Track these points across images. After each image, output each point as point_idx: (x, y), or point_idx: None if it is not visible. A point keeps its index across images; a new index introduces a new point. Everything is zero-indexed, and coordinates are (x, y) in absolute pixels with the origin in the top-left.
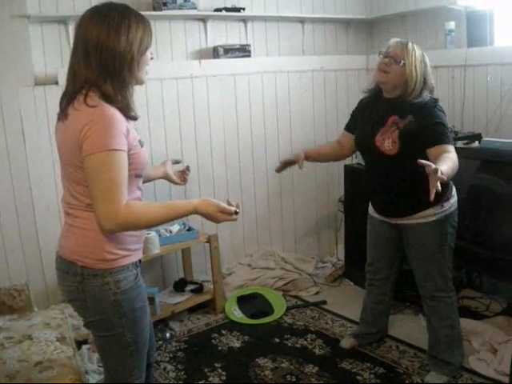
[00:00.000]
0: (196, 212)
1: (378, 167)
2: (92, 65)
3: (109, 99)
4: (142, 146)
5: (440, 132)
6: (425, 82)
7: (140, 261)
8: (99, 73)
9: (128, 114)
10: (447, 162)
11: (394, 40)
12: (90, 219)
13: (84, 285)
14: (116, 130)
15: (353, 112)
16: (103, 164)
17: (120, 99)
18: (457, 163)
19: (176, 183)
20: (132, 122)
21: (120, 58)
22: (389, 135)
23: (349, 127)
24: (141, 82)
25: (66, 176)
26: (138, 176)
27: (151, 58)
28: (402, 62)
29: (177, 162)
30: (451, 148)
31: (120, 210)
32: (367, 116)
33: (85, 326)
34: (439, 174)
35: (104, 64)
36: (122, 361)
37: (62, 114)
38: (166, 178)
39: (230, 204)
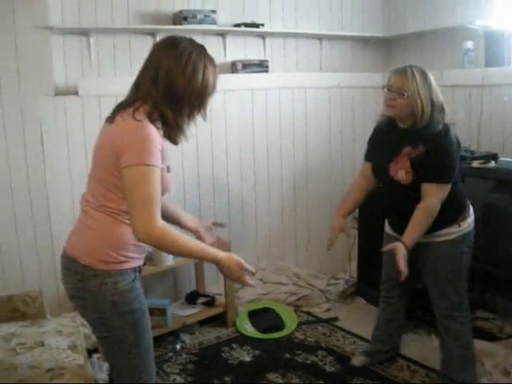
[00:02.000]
0: (218, 264)
1: (394, 194)
2: (158, 89)
3: (155, 120)
4: (168, 172)
5: (439, 169)
6: (432, 104)
7: (140, 267)
8: (164, 99)
9: (176, 138)
10: (416, 226)
11: (393, 71)
12: (102, 221)
13: (84, 283)
14: (156, 148)
15: (369, 140)
16: (143, 177)
17: (175, 125)
18: (433, 213)
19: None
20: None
21: (191, 90)
22: (401, 165)
23: (368, 157)
24: (206, 118)
25: (93, 175)
26: None
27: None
28: (406, 94)
29: (221, 226)
30: (440, 190)
31: (157, 224)
32: (382, 145)
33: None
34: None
35: (172, 93)
36: (127, 363)
37: (111, 118)
38: (196, 235)
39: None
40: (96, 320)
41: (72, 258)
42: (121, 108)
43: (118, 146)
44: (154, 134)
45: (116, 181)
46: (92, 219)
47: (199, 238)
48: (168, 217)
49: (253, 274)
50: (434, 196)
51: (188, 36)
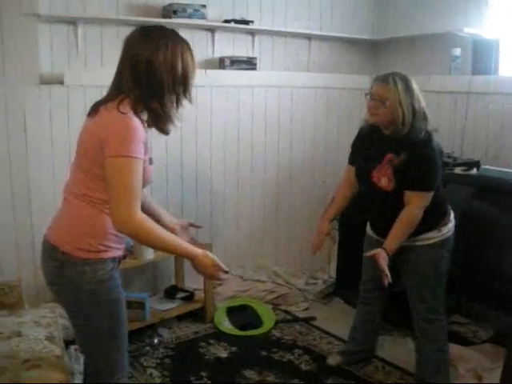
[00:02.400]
0: (193, 260)
1: (376, 199)
2: (139, 83)
3: (139, 113)
4: (150, 164)
5: (421, 178)
6: (414, 112)
7: (119, 258)
8: (145, 92)
9: (165, 127)
10: (398, 232)
11: (375, 79)
12: (83, 210)
13: (63, 270)
14: (139, 140)
15: (353, 144)
16: (125, 168)
17: (163, 115)
18: (415, 221)
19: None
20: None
21: (173, 78)
22: (384, 172)
23: (352, 160)
24: (192, 100)
25: (77, 164)
26: None
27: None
28: (387, 102)
29: (197, 227)
30: (422, 198)
31: (136, 215)
32: (365, 149)
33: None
34: (381, 261)
35: (152, 83)
36: (101, 353)
37: (94, 110)
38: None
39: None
40: (73, 308)
41: (52, 245)
42: (103, 102)
43: (103, 136)
44: (138, 126)
45: (99, 171)
46: (73, 208)
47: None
48: (150, 214)
49: (226, 272)
50: (416, 204)
51: (177, 30)
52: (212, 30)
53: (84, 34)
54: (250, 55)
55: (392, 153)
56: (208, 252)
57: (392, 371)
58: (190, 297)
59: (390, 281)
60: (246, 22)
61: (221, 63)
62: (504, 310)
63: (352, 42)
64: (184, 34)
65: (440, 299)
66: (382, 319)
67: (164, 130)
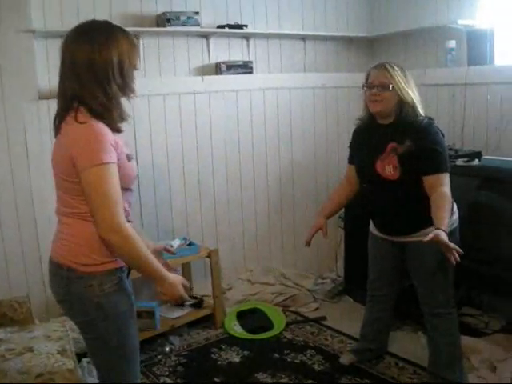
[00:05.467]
0: (160, 281)
1: (381, 192)
2: (82, 82)
3: (98, 115)
4: (129, 161)
5: (437, 160)
6: (414, 95)
7: (126, 268)
8: (89, 90)
9: (115, 126)
10: (443, 211)
11: (372, 68)
12: (73, 226)
13: (70, 287)
14: (106, 143)
15: (350, 144)
16: (98, 178)
17: (109, 113)
18: (450, 199)
19: None
20: (121, 136)
21: (112, 70)
22: (389, 161)
23: (351, 160)
24: (134, 92)
25: (57, 186)
26: (124, 189)
27: (136, 69)
28: (391, 85)
29: (171, 253)
30: (445, 178)
31: (125, 223)
32: (364, 144)
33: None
34: (444, 239)
35: (95, 80)
36: (112, 366)
37: (56, 130)
38: None
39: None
40: (82, 322)
41: (56, 264)
42: (60, 118)
43: (71, 152)
44: (101, 130)
45: (78, 186)
46: (67, 226)
47: None
48: None
49: (191, 289)
50: (443, 185)
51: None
52: (206, 36)
53: None
54: (246, 59)
55: (394, 141)
56: (180, 277)
57: (405, 367)
58: (199, 303)
59: (458, 259)
60: (240, 27)
61: (217, 69)
62: None
63: (347, 41)
64: (179, 41)
65: (449, 292)
66: (393, 315)
67: (114, 128)
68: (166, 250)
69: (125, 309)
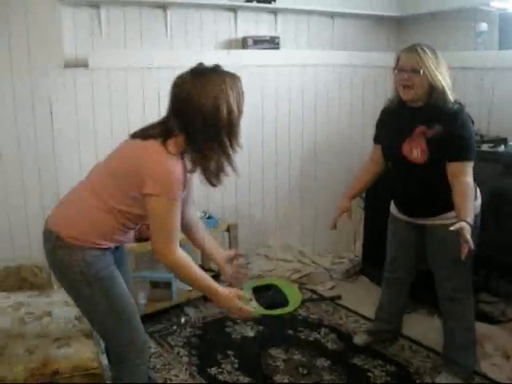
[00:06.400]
0: (214, 298)
1: (405, 174)
2: (187, 127)
3: (192, 155)
4: None
5: (463, 146)
6: (445, 78)
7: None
8: (193, 137)
9: (213, 180)
10: (468, 202)
11: (402, 51)
12: (96, 210)
13: (56, 253)
14: (180, 184)
15: (377, 122)
16: (168, 210)
17: (212, 165)
18: (473, 189)
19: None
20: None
21: (222, 124)
22: (416, 144)
23: (377, 139)
24: (240, 145)
25: (108, 171)
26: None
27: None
28: (421, 70)
29: (240, 256)
30: (469, 167)
31: (176, 252)
32: (392, 125)
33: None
34: (466, 234)
35: (202, 131)
36: (111, 331)
37: (143, 134)
38: (218, 266)
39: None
40: (70, 290)
41: (48, 230)
42: (152, 135)
43: (143, 169)
44: (180, 170)
45: (136, 195)
46: (87, 205)
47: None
48: (201, 248)
49: (250, 300)
50: (466, 174)
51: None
52: (234, 9)
53: (107, 17)
54: (273, 34)
55: (423, 125)
56: (234, 290)
57: (418, 350)
58: (216, 277)
59: (466, 257)
60: (268, 1)
61: (244, 43)
62: None
63: (375, 19)
64: (206, 14)
65: (467, 278)
66: (409, 297)
67: (211, 182)
68: (236, 254)
69: (106, 273)
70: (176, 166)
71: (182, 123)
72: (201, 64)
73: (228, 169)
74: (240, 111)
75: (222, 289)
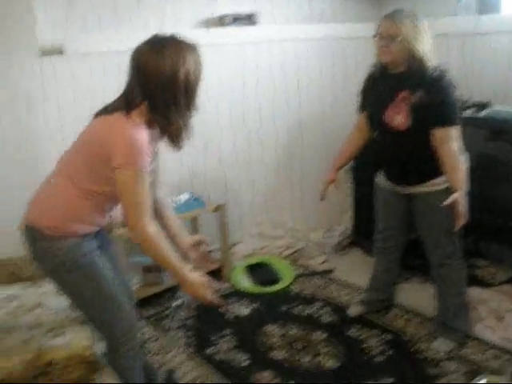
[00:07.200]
0: (181, 281)
1: (389, 141)
2: (148, 95)
3: (156, 122)
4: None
5: (446, 112)
6: (425, 45)
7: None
8: (154, 104)
9: (177, 142)
10: (458, 171)
11: (383, 17)
12: (64, 188)
13: (35, 246)
14: (147, 153)
15: (361, 90)
16: (137, 181)
17: (174, 127)
18: (459, 156)
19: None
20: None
21: (180, 88)
22: (399, 110)
23: (362, 107)
24: (197, 108)
25: (77, 152)
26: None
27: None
28: (398, 38)
29: (205, 244)
30: (454, 132)
31: (149, 226)
32: (375, 92)
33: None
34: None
35: (162, 97)
36: (99, 317)
37: (106, 110)
38: (181, 250)
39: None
40: (54, 280)
41: (25, 224)
42: (116, 108)
43: (110, 142)
44: (146, 139)
45: (100, 166)
46: (55, 187)
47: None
48: (166, 229)
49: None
50: (451, 140)
51: None
52: None
53: (81, 1)
54: (251, 11)
55: (405, 90)
56: (202, 277)
57: (412, 318)
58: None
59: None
60: None
61: (221, 21)
62: None
63: None
64: None
65: (456, 243)
66: (401, 266)
67: (174, 144)
68: (201, 242)
69: (85, 261)
70: (141, 134)
71: (142, 90)
72: (156, 35)
73: (188, 131)
74: (197, 77)
75: (190, 275)
